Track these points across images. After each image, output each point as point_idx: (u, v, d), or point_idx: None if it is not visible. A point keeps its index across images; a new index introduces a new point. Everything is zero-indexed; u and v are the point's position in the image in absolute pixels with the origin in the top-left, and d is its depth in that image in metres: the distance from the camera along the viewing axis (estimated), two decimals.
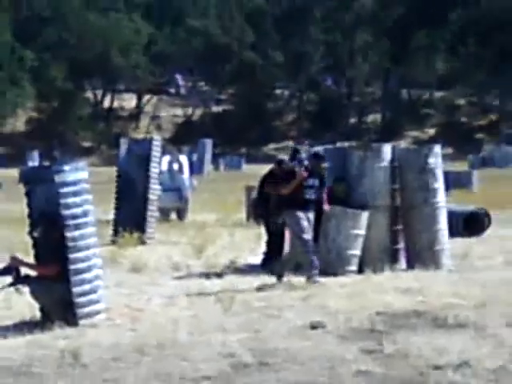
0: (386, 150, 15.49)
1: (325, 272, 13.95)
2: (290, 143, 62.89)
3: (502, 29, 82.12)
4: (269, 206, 15.60)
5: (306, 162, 13.99)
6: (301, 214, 13.37)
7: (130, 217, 19.48)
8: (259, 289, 12.88)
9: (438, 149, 15.83)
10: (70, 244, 10.44)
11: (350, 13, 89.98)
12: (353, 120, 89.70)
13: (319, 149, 15.78)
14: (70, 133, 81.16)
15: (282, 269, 13.44)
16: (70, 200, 10.56)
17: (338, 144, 24.10)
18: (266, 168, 18.01)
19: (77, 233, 10.53)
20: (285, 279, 13.28)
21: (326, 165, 14.09)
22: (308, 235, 13.41)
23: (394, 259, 14.90)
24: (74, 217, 10.55)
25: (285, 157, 18.97)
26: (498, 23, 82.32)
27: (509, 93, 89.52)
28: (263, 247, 15.66)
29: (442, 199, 15.31)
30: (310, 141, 47.60)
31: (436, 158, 15.36)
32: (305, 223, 13.40)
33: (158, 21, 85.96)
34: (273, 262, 14.89)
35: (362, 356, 8.76)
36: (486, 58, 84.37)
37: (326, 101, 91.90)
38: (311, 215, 13.56)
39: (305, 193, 13.44)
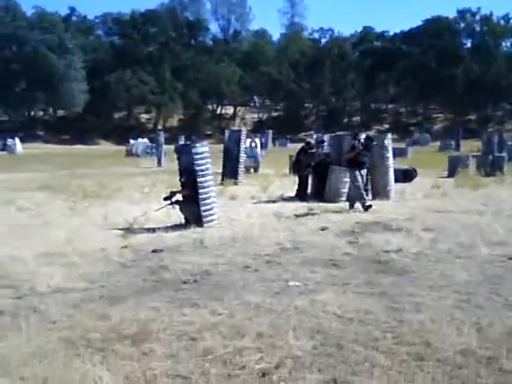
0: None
1: (330, 201, 13.89)
2: (312, 132, 61.95)
3: (423, 72, 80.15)
4: (300, 166, 15.57)
5: (362, 141, 13.12)
6: (357, 172, 12.66)
7: (230, 170, 19.44)
8: (295, 211, 12.62)
9: (389, 136, 15.51)
10: (199, 184, 10.52)
11: (344, 62, 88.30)
12: (345, 120, 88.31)
13: (370, 133, 14.56)
14: (200, 126, 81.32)
15: (352, 201, 12.74)
16: (200, 162, 10.64)
17: (338, 133, 23.74)
18: (299, 145, 17.83)
19: (203, 178, 10.62)
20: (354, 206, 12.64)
21: (375, 143, 13.50)
22: (360, 184, 12.60)
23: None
24: (202, 170, 10.64)
25: (310, 139, 18.86)
26: (420, 69, 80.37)
27: (427, 106, 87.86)
28: (296, 187, 15.39)
29: (391, 162, 14.97)
30: (323, 131, 47.01)
31: (388, 140, 14.99)
32: (359, 177, 12.65)
33: (244, 67, 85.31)
34: (300, 195, 14.80)
35: (347, 245, 8.75)
36: (415, 87, 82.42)
37: (331, 110, 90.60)
38: (363, 172, 12.90)
39: (361, 159, 12.75)
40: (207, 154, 10.84)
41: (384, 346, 4.63)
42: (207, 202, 10.57)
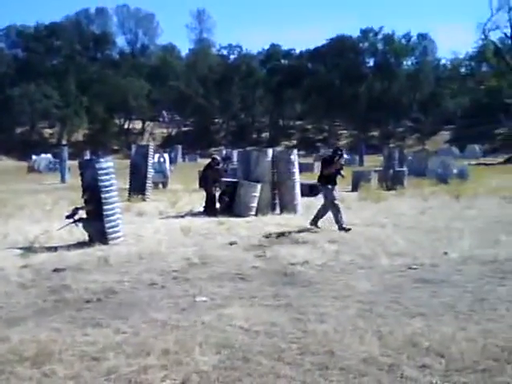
0: (270, 151, 15.48)
1: (239, 216, 13.98)
2: (222, 148, 62.17)
3: (328, 89, 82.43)
4: (207, 181, 15.62)
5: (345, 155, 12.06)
6: (331, 188, 11.80)
7: (137, 186, 19.13)
8: (204, 226, 12.62)
9: (295, 151, 15.89)
10: (104, 201, 10.28)
11: (252, 79, 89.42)
12: (255, 136, 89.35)
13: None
14: (107, 141, 79.74)
15: (316, 220, 11.79)
16: (104, 177, 10.40)
17: (247, 149, 23.93)
18: (207, 161, 17.82)
19: (107, 194, 10.39)
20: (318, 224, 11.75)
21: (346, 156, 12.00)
22: (338, 201, 11.82)
23: (273, 208, 14.91)
24: (106, 186, 10.40)
25: (216, 155, 18.90)
26: (325, 87, 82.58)
27: (332, 123, 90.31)
28: (203, 203, 15.40)
29: (297, 177, 15.30)
30: (232, 147, 47.47)
31: (294, 156, 15.36)
32: (335, 193, 11.90)
33: (152, 81, 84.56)
34: (209, 210, 14.79)
35: (255, 258, 8.82)
36: (321, 104, 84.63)
37: (240, 126, 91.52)
38: (336, 187, 11.96)
39: (336, 174, 11.95)
40: (112, 170, 10.62)
41: (289, 356, 4.69)
42: (112, 218, 10.35)
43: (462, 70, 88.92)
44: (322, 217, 11.95)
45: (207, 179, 15.57)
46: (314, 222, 11.87)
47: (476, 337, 5.05)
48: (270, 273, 7.83)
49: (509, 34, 57.97)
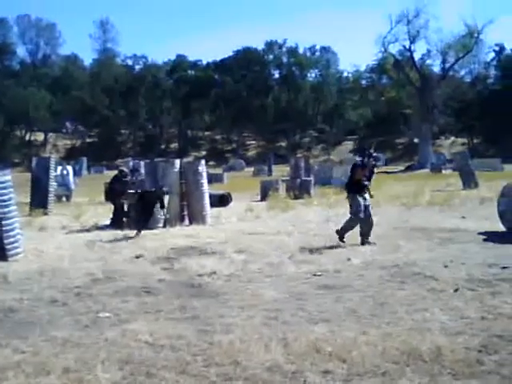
0: (177, 162, 15.40)
1: (146, 228, 13.72)
2: (130, 159, 61.11)
3: (235, 101, 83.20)
4: (114, 194, 15.27)
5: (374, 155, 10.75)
6: (359, 198, 10.50)
7: (39, 200, 18.45)
8: (110, 240, 12.34)
9: (203, 162, 15.88)
10: (1, 216, 9.85)
11: (159, 89, 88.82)
12: (163, 146, 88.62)
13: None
14: (8, 154, 76.64)
15: (343, 233, 10.53)
16: (1, 191, 9.97)
17: (155, 160, 23.59)
18: (114, 173, 17.51)
19: (6, 209, 9.96)
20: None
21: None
22: (362, 213, 10.43)
23: (182, 220, 14.78)
24: (4, 200, 9.97)
25: (123, 167, 18.53)
26: (232, 98, 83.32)
27: (241, 134, 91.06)
28: (110, 215, 15.07)
29: (206, 187, 15.30)
30: (140, 158, 46.77)
31: (202, 167, 15.37)
32: (361, 205, 10.45)
33: (54, 92, 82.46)
34: (114, 224, 14.44)
35: (162, 271, 8.70)
36: (229, 115, 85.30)
37: (148, 136, 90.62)
38: (367, 196, 10.72)
39: (364, 180, 10.70)
40: (10, 183, 10.20)
41: (194, 369, 4.64)
42: (11, 234, 9.91)
43: (363, 82, 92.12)
44: (351, 229, 10.69)
45: (114, 192, 15.24)
46: (341, 235, 10.62)
47: (376, 340, 5.15)
48: (177, 285, 7.74)
49: (407, 47, 60.41)
